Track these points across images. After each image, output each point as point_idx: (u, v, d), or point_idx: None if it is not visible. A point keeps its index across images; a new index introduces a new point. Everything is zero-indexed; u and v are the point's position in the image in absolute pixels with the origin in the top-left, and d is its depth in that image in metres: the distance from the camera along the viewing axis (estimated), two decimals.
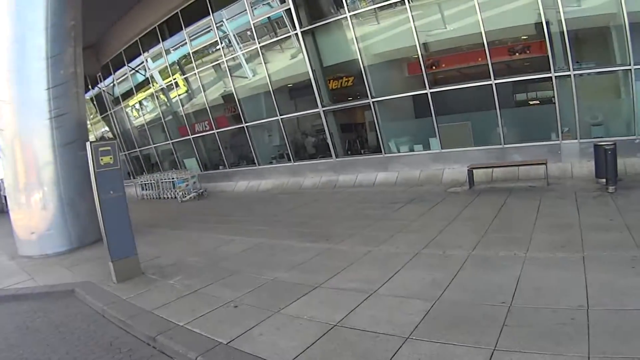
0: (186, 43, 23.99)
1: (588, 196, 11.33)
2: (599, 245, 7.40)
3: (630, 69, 13.47)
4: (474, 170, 14.82)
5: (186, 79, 25.56)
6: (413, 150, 17.94)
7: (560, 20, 13.95)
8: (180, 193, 22.83)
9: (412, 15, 16.17)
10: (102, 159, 8.70)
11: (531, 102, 16.42)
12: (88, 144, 8.75)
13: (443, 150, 16.90)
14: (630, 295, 5.42)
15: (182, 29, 23.62)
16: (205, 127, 25.04)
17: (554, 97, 14.75)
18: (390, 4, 16.73)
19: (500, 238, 8.56)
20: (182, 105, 26.26)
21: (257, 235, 11.66)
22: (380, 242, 9.39)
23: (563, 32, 13.99)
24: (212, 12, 21.77)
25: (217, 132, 24.39)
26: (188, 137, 26.40)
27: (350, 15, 17.55)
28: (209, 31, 22.74)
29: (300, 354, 5.05)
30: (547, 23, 14.20)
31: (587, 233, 8.13)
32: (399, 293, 6.45)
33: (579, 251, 7.21)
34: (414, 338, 5.05)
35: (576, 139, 14.44)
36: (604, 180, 12.02)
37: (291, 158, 21.47)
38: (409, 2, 16.08)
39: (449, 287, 6.41)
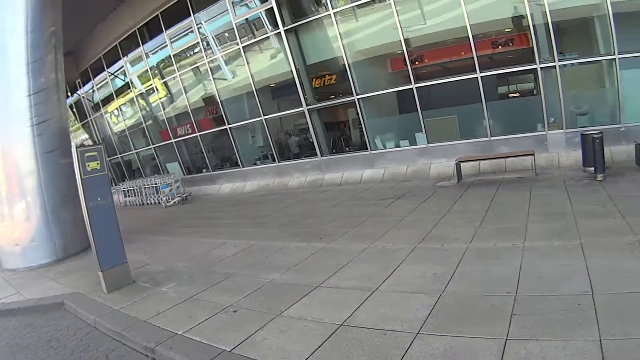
0: (167, 45, 23.74)
1: (578, 185, 11.43)
2: (594, 231, 7.47)
3: (615, 59, 13.68)
4: (462, 164, 14.82)
5: (167, 82, 25.28)
6: (399, 146, 17.89)
7: (545, 11, 14.10)
8: (164, 198, 22.45)
9: (396, 11, 16.17)
10: (88, 165, 8.37)
11: (516, 94, 16.63)
12: (74, 149, 8.39)
13: (429, 145, 16.93)
14: (632, 277, 5.52)
15: (162, 31, 23.36)
16: (188, 130, 24.81)
17: (539, 88, 14.89)
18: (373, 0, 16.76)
19: (496, 229, 8.57)
20: (164, 109, 26.02)
21: (247, 237, 11.43)
22: (375, 238, 9.26)
23: (547, 23, 14.15)
24: (193, 13, 21.54)
25: (199, 135, 24.17)
26: (170, 141, 26.11)
27: (333, 13, 17.45)
28: (190, 33, 22.51)
29: (309, 356, 4.95)
30: (531, 15, 14.34)
31: (582, 220, 8.20)
32: (402, 289, 6.37)
33: (575, 238, 7.27)
34: (424, 333, 5.00)
35: (562, 129, 14.57)
36: (592, 168, 12.12)
37: (276, 158, 21.36)
38: None
39: (451, 280, 6.38)
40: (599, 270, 5.86)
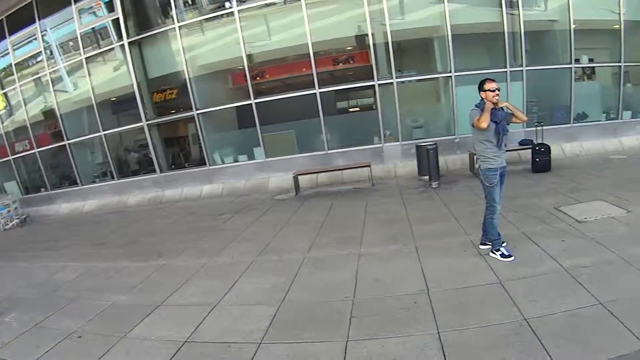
0: (9, 53, 19.81)
1: (413, 193, 11.36)
2: (429, 235, 7.47)
3: (451, 76, 13.85)
4: (299, 177, 13.77)
5: (7, 93, 21.05)
6: (238, 161, 16.22)
7: (386, 32, 13.86)
8: (2, 221, 18.46)
9: (240, 26, 14.72)
10: None
11: (355, 109, 15.98)
12: None
13: (268, 159, 15.58)
14: (465, 274, 5.58)
15: (5, 37, 19.44)
16: (26, 146, 20.64)
17: (376, 103, 14.46)
18: (219, 15, 15.14)
19: (333, 239, 8.24)
20: (2, 123, 21.58)
21: (88, 260, 9.90)
22: (214, 253, 8.56)
23: (387, 42, 13.93)
24: (39, 20, 18.09)
25: (38, 152, 20.17)
26: (8, 158, 21.67)
27: (178, 26, 15.34)
28: (33, 41, 18.88)
29: None
30: (372, 34, 14.04)
31: (417, 226, 8.16)
32: (242, 301, 5.99)
33: (411, 242, 7.19)
34: (267, 342, 4.72)
35: (398, 141, 14.36)
36: (427, 177, 12.02)
37: (115, 176, 18.27)
38: (238, 14, 14.60)
39: (290, 289, 6.09)
40: (434, 270, 5.87)
